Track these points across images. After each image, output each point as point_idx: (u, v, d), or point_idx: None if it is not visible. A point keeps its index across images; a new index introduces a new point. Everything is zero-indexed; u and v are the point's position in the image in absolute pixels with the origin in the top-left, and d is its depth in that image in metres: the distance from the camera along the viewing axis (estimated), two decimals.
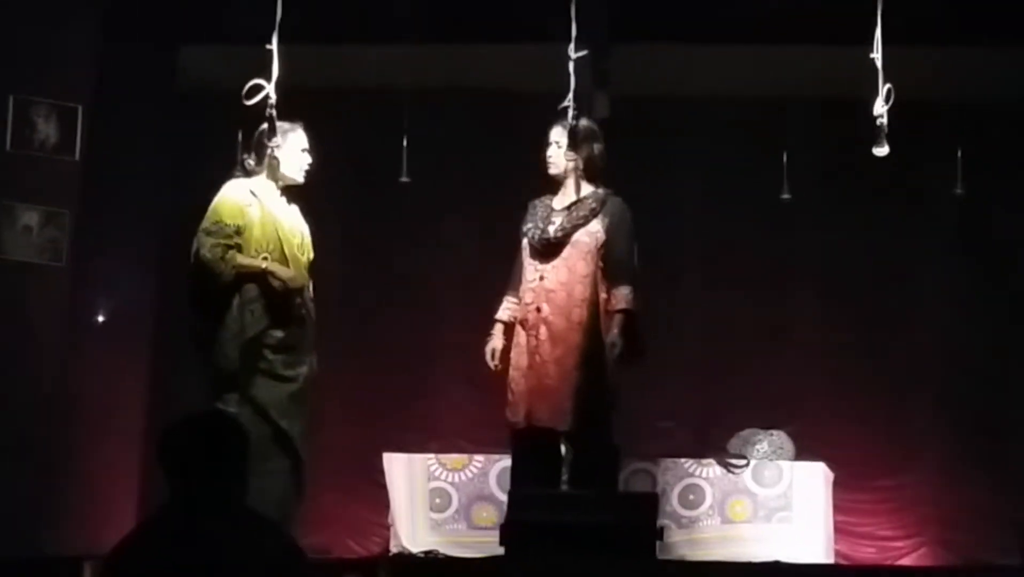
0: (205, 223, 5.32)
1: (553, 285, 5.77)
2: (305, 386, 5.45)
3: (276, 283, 5.30)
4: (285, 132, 5.46)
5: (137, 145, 7.04)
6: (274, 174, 5.48)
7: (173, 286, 6.02)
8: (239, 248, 5.30)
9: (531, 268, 5.86)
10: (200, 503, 3.09)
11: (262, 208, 5.38)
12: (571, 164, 5.89)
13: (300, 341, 5.44)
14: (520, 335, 5.83)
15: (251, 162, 5.50)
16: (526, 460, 5.88)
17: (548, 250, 5.81)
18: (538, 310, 5.76)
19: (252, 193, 5.40)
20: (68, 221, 6.73)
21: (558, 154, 5.87)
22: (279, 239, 5.38)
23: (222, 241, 5.27)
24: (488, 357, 5.89)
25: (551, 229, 5.82)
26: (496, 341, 5.91)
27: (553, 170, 5.91)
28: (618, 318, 5.73)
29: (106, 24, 6.93)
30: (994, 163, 7.44)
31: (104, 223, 6.92)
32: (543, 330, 5.74)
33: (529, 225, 5.89)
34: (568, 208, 5.87)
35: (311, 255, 5.61)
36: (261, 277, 5.31)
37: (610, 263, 5.81)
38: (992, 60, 7.27)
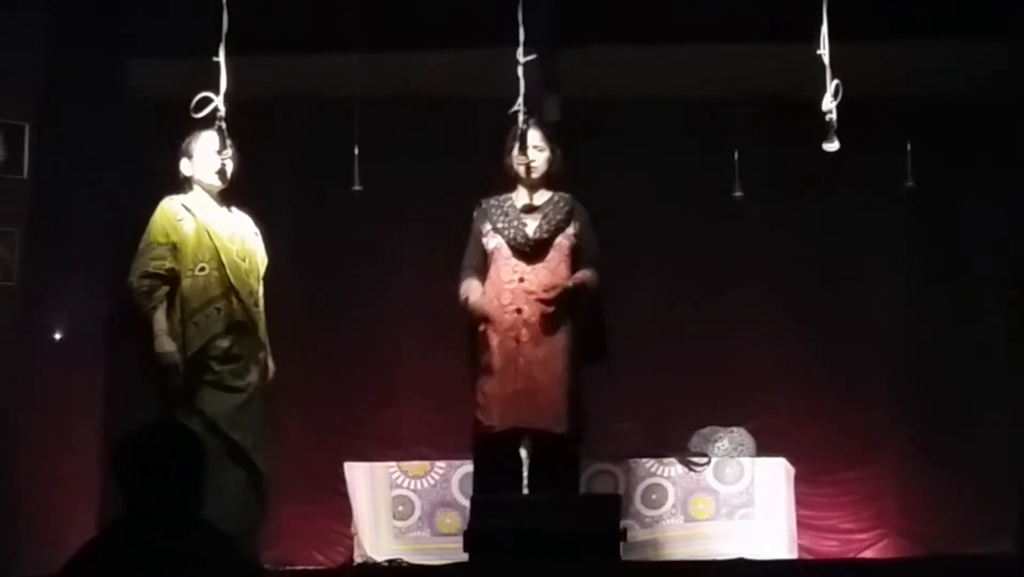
0: (140, 244, 5.37)
1: (534, 287, 5.75)
2: (255, 395, 5.44)
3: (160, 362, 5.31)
4: (192, 140, 5.50)
5: (86, 161, 6.97)
6: (200, 184, 5.51)
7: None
8: (173, 272, 5.32)
9: (507, 268, 5.80)
10: (154, 515, 3.06)
11: (196, 221, 5.41)
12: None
13: (246, 350, 5.43)
14: (492, 337, 5.78)
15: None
16: (491, 465, 5.87)
17: (532, 251, 5.79)
18: (518, 311, 5.73)
19: (185, 207, 5.45)
20: (17, 240, 6.68)
21: (540, 157, 5.87)
22: (215, 248, 5.40)
23: (152, 269, 5.30)
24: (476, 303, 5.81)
25: (529, 230, 5.81)
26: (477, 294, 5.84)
27: (536, 173, 5.89)
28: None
29: (52, 40, 6.88)
30: (944, 156, 7.49)
31: (55, 240, 6.87)
32: (525, 332, 5.71)
33: (500, 225, 5.85)
34: (539, 210, 5.86)
35: (260, 260, 5.60)
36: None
37: (583, 266, 5.84)
38: (939, 53, 7.32)
